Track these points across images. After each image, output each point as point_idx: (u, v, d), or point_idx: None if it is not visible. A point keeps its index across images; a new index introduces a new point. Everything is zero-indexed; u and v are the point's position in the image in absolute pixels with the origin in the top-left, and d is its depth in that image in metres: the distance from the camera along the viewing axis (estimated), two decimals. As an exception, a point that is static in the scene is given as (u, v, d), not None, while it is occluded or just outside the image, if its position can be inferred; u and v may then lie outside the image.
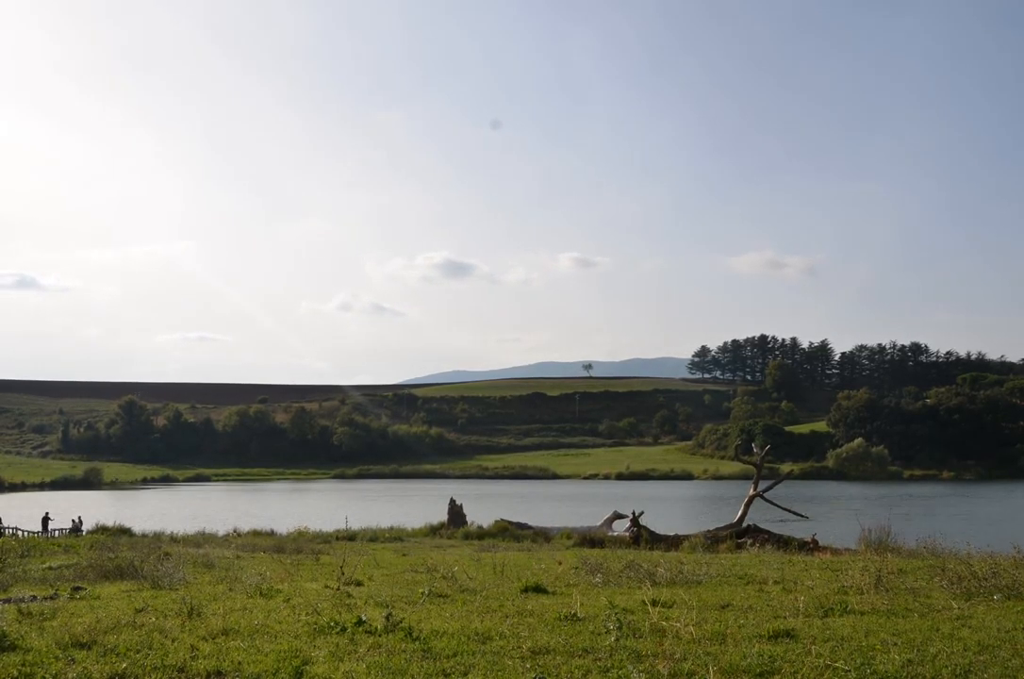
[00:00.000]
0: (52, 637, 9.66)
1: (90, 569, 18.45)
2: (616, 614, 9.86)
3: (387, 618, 10.05)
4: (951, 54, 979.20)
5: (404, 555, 25.23)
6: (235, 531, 40.08)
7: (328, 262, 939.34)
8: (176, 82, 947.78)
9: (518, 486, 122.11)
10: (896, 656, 8.36)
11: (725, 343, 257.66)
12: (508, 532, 37.11)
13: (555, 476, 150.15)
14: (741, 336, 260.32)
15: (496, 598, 13.24)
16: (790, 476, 72.58)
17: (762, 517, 40.32)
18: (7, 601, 13.16)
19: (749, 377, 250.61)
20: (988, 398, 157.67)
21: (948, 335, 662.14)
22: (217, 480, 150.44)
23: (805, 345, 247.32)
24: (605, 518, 39.11)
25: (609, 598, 12.27)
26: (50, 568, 19.95)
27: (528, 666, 8.17)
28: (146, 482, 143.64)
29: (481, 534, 37.09)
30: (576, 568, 17.89)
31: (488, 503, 69.38)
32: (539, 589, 14.09)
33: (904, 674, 7.76)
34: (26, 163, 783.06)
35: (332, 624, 10.19)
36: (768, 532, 32.96)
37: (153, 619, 11.02)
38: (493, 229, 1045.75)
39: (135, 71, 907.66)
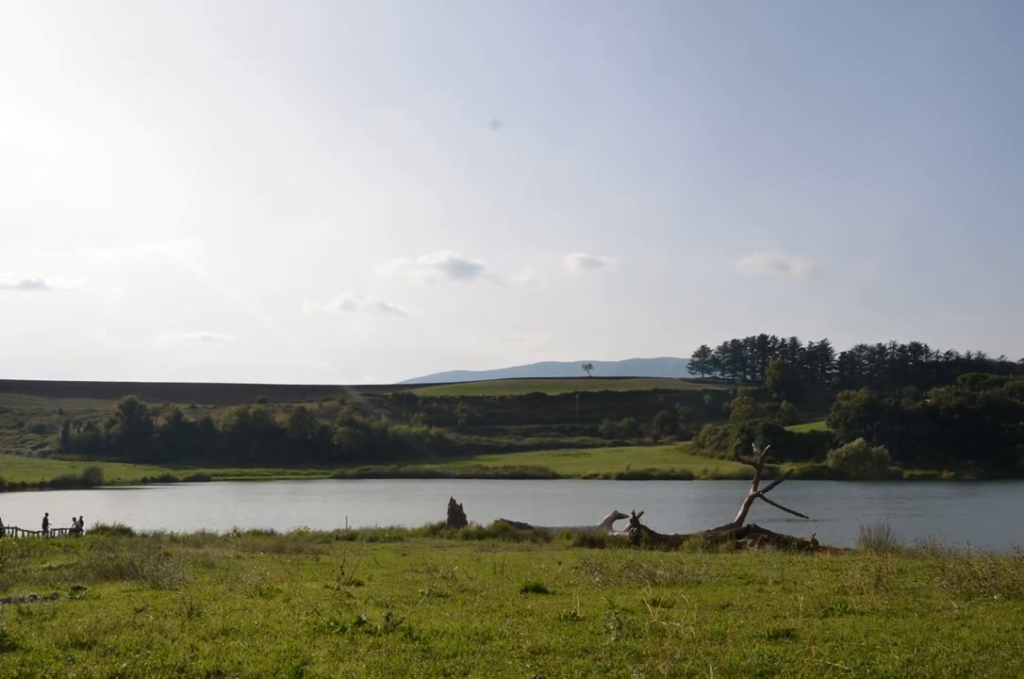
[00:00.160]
0: (52, 637, 9.66)
1: (90, 569, 18.45)
2: (616, 614, 9.86)
3: (387, 618, 10.05)
4: (953, 54, 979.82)
5: (404, 555, 25.23)
6: (235, 531, 40.06)
7: (331, 262, 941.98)
8: (179, 82, 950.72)
9: (518, 486, 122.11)
10: (896, 656, 8.36)
11: (725, 343, 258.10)
12: (508, 532, 37.10)
13: (555, 476, 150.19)
14: (741, 336, 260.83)
15: (496, 598, 13.24)
16: (790, 476, 72.49)
17: (762, 517, 40.34)
18: (7, 601, 13.16)
19: (749, 377, 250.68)
20: (988, 398, 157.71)
21: (948, 335, 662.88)
22: (217, 480, 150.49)
23: (805, 345, 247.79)
24: (605, 518, 39.09)
25: (609, 598, 12.27)
26: (50, 568, 19.95)
27: (528, 666, 8.17)
28: (146, 482, 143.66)
29: (481, 534, 37.08)
30: (576, 568, 17.89)
31: (488, 503, 69.37)
32: (539, 589, 14.09)
33: (904, 674, 7.75)
34: (29, 163, 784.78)
35: (332, 624, 10.19)
36: (768, 532, 32.95)
37: (153, 619, 11.02)
38: (498, 229, 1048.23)
39: (138, 71, 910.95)
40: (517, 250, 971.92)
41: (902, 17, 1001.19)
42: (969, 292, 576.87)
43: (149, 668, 8.12)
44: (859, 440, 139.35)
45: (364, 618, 10.32)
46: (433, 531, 40.48)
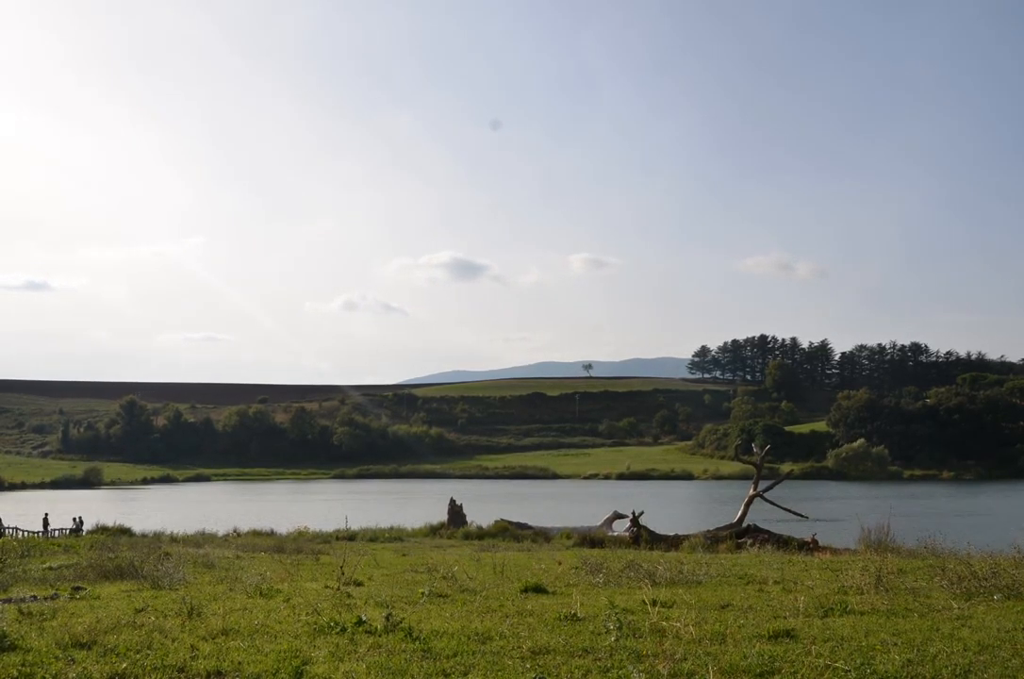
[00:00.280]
0: (52, 637, 9.66)
1: (90, 569, 18.45)
2: (616, 614, 9.86)
3: (387, 618, 10.05)
4: (953, 53, 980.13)
5: (404, 555, 25.23)
6: (235, 531, 40.08)
7: (334, 262, 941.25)
8: (180, 81, 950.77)
9: (518, 486, 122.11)
10: (896, 656, 8.36)
11: (725, 343, 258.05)
12: (508, 532, 37.11)
13: (555, 476, 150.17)
14: (741, 336, 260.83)
15: (496, 598, 13.24)
16: (790, 476, 72.54)
17: (762, 517, 40.34)
18: (7, 601, 13.16)
19: (749, 377, 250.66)
20: (988, 398, 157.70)
21: (948, 335, 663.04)
22: (217, 480, 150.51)
23: (805, 345, 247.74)
24: (605, 518, 39.10)
25: (609, 598, 12.27)
26: (50, 568, 19.95)
27: (528, 666, 8.17)
28: (146, 482, 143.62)
29: (481, 534, 37.09)
30: (576, 568, 17.90)
31: (488, 503, 69.36)
32: (539, 589, 14.09)
33: (904, 674, 7.75)
34: (31, 162, 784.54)
35: (332, 624, 10.19)
36: (768, 532, 32.96)
37: (153, 619, 11.02)
38: (501, 229, 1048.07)
39: (139, 70, 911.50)
40: (520, 250, 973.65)
41: (902, 17, 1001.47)
42: (969, 292, 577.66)
43: (149, 668, 8.12)
44: (859, 440, 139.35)
45: (364, 618, 10.32)
46: (433, 531, 40.49)
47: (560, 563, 18.64)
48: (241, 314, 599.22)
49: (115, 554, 20.80)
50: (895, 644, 8.99)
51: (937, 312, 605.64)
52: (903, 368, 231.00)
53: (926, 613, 11.21)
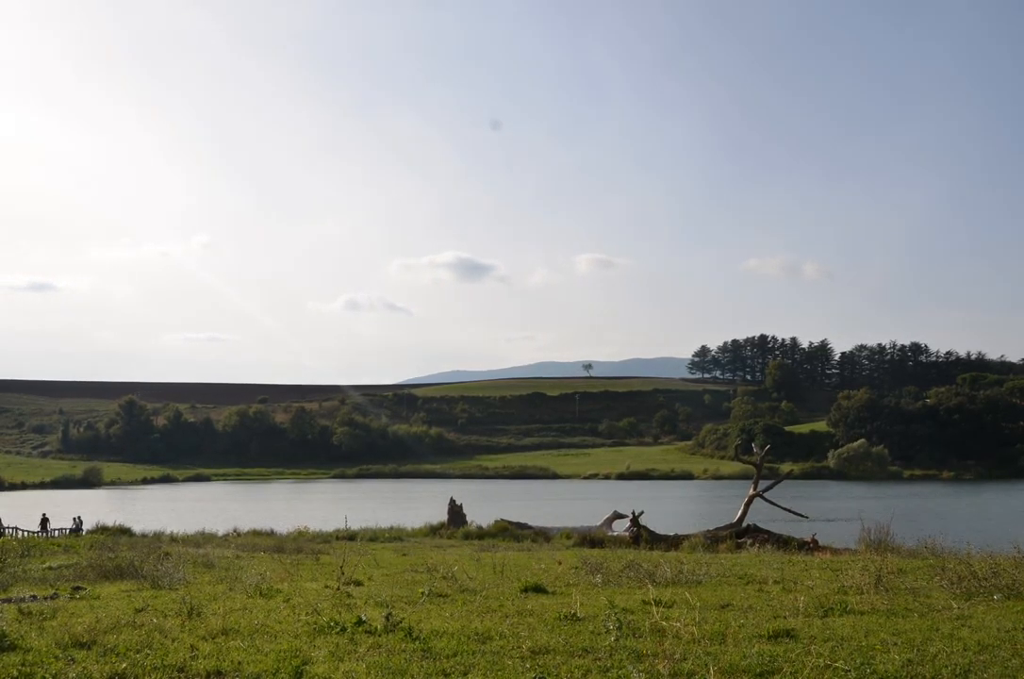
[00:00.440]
0: (52, 637, 9.66)
1: (90, 569, 18.46)
2: (616, 614, 9.86)
3: (387, 618, 10.05)
4: (955, 55, 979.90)
5: (404, 555, 25.22)
6: (235, 531, 40.08)
7: (338, 261, 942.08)
8: (183, 81, 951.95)
9: (518, 486, 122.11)
10: (896, 656, 8.36)
11: (725, 343, 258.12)
12: (508, 532, 37.09)
13: (555, 476, 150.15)
14: (741, 336, 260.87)
15: (496, 598, 13.24)
16: (790, 476, 72.55)
17: (762, 517, 40.30)
18: (7, 601, 13.16)
19: (749, 377, 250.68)
20: (988, 398, 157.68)
21: (948, 335, 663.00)
22: (217, 480, 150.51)
23: (805, 345, 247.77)
24: (605, 518, 39.06)
25: (609, 598, 12.27)
26: (50, 568, 19.96)
27: (528, 666, 8.17)
28: (146, 482, 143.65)
29: (481, 534, 37.07)
30: (576, 568, 17.89)
31: (488, 503, 69.35)
32: (539, 589, 14.09)
33: (904, 674, 7.75)
34: (33, 162, 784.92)
35: (332, 624, 10.19)
36: (768, 532, 32.93)
37: (153, 619, 11.02)
38: (507, 229, 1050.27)
39: (141, 68, 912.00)
40: (524, 250, 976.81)
41: (905, 20, 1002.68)
42: (969, 292, 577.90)
43: (149, 668, 8.12)
44: (859, 440, 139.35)
45: (364, 618, 10.32)
46: (433, 531, 40.46)
47: (560, 563, 18.64)
48: (243, 314, 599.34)
49: (115, 554, 20.81)
50: (895, 644, 8.99)
51: (937, 312, 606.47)
52: (903, 368, 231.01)
53: (926, 613, 11.21)
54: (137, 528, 41.70)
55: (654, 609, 10.68)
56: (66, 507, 68.85)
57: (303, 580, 16.89)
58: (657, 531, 33.49)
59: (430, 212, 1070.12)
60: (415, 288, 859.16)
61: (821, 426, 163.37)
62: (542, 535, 36.65)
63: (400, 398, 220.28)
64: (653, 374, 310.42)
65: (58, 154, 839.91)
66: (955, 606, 11.58)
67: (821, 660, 8.11)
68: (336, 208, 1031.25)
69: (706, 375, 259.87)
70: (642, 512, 34.65)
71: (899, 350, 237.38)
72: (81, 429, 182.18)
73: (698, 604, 11.87)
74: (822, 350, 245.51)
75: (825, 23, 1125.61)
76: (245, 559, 22.85)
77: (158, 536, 36.07)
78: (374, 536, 36.48)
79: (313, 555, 24.56)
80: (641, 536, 32.03)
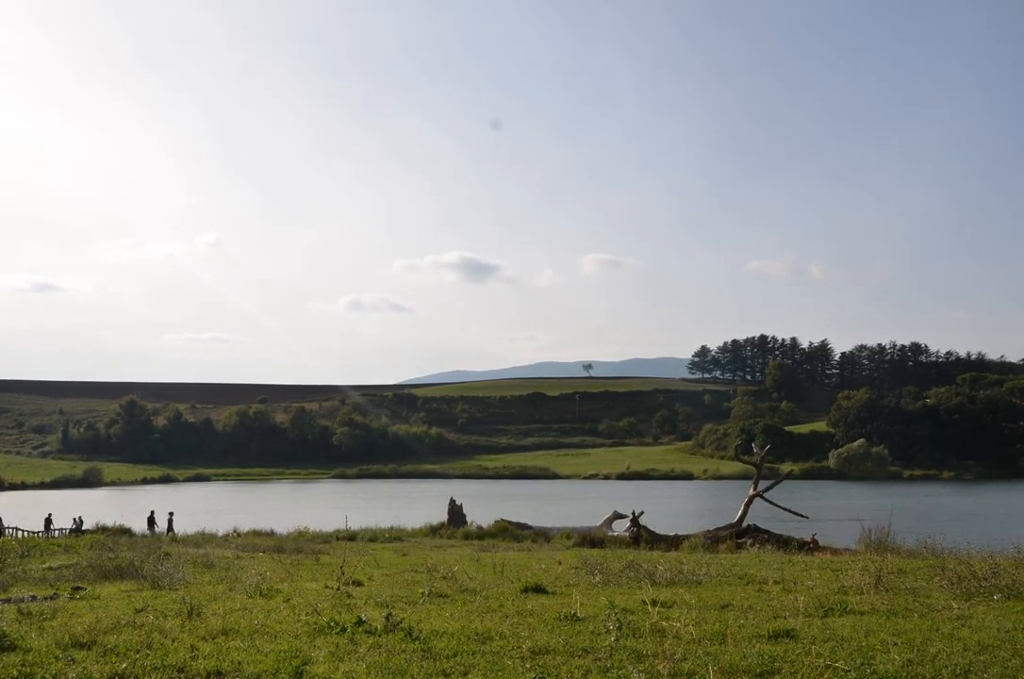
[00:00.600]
0: (52, 637, 9.65)
1: (90, 569, 18.44)
2: (616, 614, 9.86)
3: (387, 618, 10.04)
4: (957, 56, 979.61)
5: (404, 555, 25.21)
6: (235, 531, 40.05)
7: (341, 262, 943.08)
8: (183, 82, 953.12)
9: (518, 486, 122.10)
10: (896, 656, 8.35)
11: (725, 343, 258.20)
12: (508, 532, 37.04)
13: (555, 476, 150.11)
14: (741, 336, 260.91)
15: (496, 598, 13.23)
16: (790, 476, 72.58)
17: (762, 517, 40.29)
18: (7, 601, 13.15)
19: (749, 377, 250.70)
20: (988, 398, 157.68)
21: (948, 335, 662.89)
22: (217, 480, 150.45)
23: (805, 345, 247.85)
24: (605, 518, 39.03)
25: (609, 598, 12.26)
26: (50, 568, 19.94)
27: (528, 666, 8.17)
28: (146, 482, 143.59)
29: (481, 534, 37.02)
30: (576, 568, 17.89)
31: (488, 503, 69.33)
32: (539, 589, 14.08)
33: (904, 674, 7.75)
34: (36, 162, 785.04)
35: (332, 624, 10.18)
36: (768, 532, 32.90)
37: (153, 619, 11.01)
38: (512, 229, 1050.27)
39: (144, 69, 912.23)
40: (527, 250, 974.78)
41: (910, 20, 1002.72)
42: (969, 292, 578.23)
43: (149, 668, 8.12)
44: (860, 440, 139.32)
45: (364, 618, 10.31)
46: (433, 531, 40.43)
47: (560, 563, 18.63)
48: (245, 314, 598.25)
49: (115, 554, 20.80)
50: (895, 644, 8.99)
51: (938, 312, 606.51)
52: (903, 368, 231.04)
53: (926, 613, 11.21)
54: (137, 528, 41.69)
55: (654, 609, 10.67)
56: (66, 507, 68.84)
57: (303, 580, 16.88)
58: (657, 531, 33.46)
59: (434, 212, 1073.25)
60: (419, 288, 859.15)
61: (821, 426, 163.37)
62: (542, 535, 36.62)
63: (400, 398, 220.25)
64: (653, 374, 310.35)
65: (59, 153, 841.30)
66: (955, 606, 11.58)
67: (821, 660, 8.11)
68: (339, 208, 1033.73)
69: (706, 375, 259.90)
70: (642, 512, 34.62)
71: (899, 350, 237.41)
72: (81, 429, 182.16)
73: (698, 604, 11.87)
74: (822, 350, 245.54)
75: (830, 23, 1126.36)
76: (245, 559, 22.84)
77: (158, 536, 36.04)
78: (374, 536, 36.44)
79: (313, 555, 24.55)
80: (641, 536, 32.00)
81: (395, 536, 37.39)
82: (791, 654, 8.51)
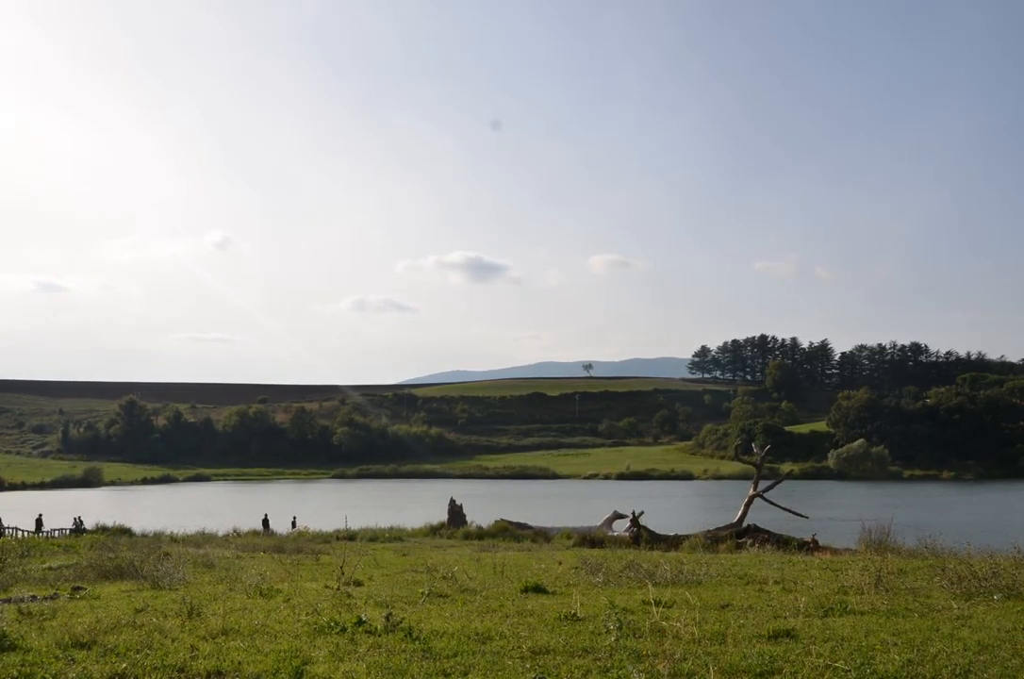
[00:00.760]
0: (52, 637, 9.65)
1: (90, 569, 18.44)
2: (616, 614, 9.86)
3: (387, 618, 10.04)
4: (957, 56, 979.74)
5: (404, 555, 25.21)
6: (235, 531, 40.08)
7: (345, 262, 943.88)
8: (183, 82, 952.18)
9: (518, 486, 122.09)
10: (896, 656, 8.35)
11: (725, 343, 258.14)
12: (508, 532, 37.05)
13: (555, 476, 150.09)
14: (741, 336, 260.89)
15: (496, 598, 13.23)
16: (790, 476, 72.59)
17: (762, 517, 40.30)
18: (7, 601, 13.15)
19: (749, 377, 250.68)
20: (988, 398, 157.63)
21: (948, 335, 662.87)
22: (217, 480, 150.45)
23: (805, 345, 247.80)
24: (605, 518, 39.04)
25: (609, 598, 12.26)
26: (50, 568, 19.94)
27: (528, 666, 8.17)
28: (146, 482, 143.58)
29: (481, 534, 37.04)
30: (576, 568, 17.88)
31: (488, 503, 69.34)
32: (539, 589, 14.08)
33: (904, 674, 7.75)
34: (38, 161, 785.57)
35: (332, 624, 10.18)
36: (768, 532, 32.91)
37: (153, 619, 11.01)
38: (516, 229, 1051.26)
39: (145, 69, 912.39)
40: (530, 249, 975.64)
41: (909, 20, 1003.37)
42: (969, 292, 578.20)
43: (149, 668, 8.11)
44: (860, 440, 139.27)
45: (364, 618, 10.31)
46: (433, 531, 40.44)
47: (560, 563, 18.62)
48: (249, 315, 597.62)
49: (115, 554, 20.80)
50: (895, 644, 8.99)
51: (938, 312, 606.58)
52: (903, 368, 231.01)
53: (926, 613, 11.21)
54: (137, 528, 41.69)
55: (654, 609, 10.68)
56: (66, 507, 68.86)
57: (303, 580, 16.88)
58: (657, 531, 33.47)
59: (436, 212, 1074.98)
60: (422, 288, 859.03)
61: (821, 426, 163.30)
62: (542, 535, 36.62)
63: (400, 398, 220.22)
64: (653, 374, 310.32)
65: (61, 153, 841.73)
66: (955, 606, 11.58)
67: (821, 660, 8.11)
68: (340, 208, 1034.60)
69: (706, 375, 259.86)
70: (642, 512, 34.63)
71: (899, 350, 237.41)
72: (81, 429, 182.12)
73: (698, 604, 11.87)
74: (822, 350, 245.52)
75: (830, 23, 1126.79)
76: (245, 559, 22.84)
77: (158, 536, 36.05)
78: (374, 536, 36.46)
79: (313, 555, 24.56)
80: (641, 536, 32.01)
81: (395, 536, 37.40)
82: (791, 654, 8.51)
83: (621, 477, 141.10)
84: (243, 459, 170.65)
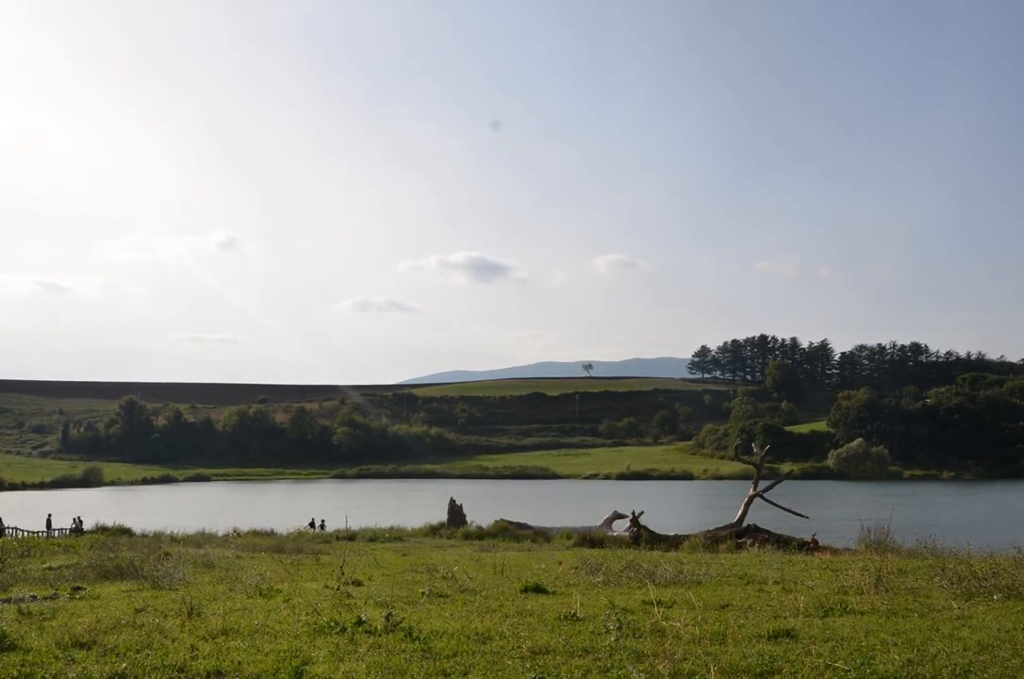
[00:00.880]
0: (52, 637, 9.65)
1: (90, 569, 18.43)
2: (616, 614, 9.85)
3: (387, 618, 10.04)
4: (958, 57, 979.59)
5: (404, 555, 25.20)
6: (235, 531, 40.05)
7: (347, 263, 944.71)
8: (184, 82, 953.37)
9: (518, 486, 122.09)
10: (896, 656, 8.35)
11: (725, 343, 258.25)
12: (508, 532, 37.03)
13: (555, 476, 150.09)
14: (741, 336, 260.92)
15: (496, 598, 13.23)
16: (790, 476, 72.59)
17: (762, 517, 40.29)
18: (7, 601, 13.15)
19: (749, 377, 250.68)
20: (988, 398, 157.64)
21: (948, 335, 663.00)
22: (217, 480, 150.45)
23: (805, 345, 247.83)
24: (605, 518, 39.02)
25: (609, 598, 12.26)
26: (50, 568, 19.94)
27: (528, 666, 8.16)
28: (146, 482, 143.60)
29: (481, 534, 37.02)
30: (576, 568, 17.88)
31: (488, 503, 69.32)
32: (539, 589, 14.07)
33: (904, 674, 7.75)
34: (40, 161, 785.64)
35: (332, 624, 10.18)
36: (768, 532, 32.90)
37: (153, 619, 11.01)
38: (519, 229, 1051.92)
39: (146, 69, 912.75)
40: (532, 249, 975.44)
41: (910, 21, 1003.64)
42: (969, 292, 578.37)
43: (149, 668, 8.11)
44: (859, 440, 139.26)
45: (364, 618, 10.31)
46: (433, 531, 40.42)
47: (560, 563, 18.62)
48: (251, 315, 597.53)
49: (115, 554, 20.79)
50: (895, 644, 8.98)
51: (938, 312, 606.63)
52: (903, 368, 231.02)
53: (926, 613, 11.20)
54: (137, 528, 41.67)
55: (654, 609, 10.68)
56: (66, 507, 68.84)
57: (303, 580, 16.88)
58: (657, 531, 33.45)
59: (437, 212, 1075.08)
60: (424, 288, 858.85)
61: (821, 426, 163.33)
62: (542, 535, 36.60)
63: (400, 398, 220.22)
64: (653, 374, 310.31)
65: (62, 153, 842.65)
66: (955, 606, 11.57)
67: (821, 660, 8.11)
68: (341, 208, 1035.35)
69: (706, 375, 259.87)
70: (642, 512, 34.62)
71: (899, 350, 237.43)
72: (81, 429, 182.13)
73: (698, 604, 11.86)
74: (822, 350, 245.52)
75: (830, 24, 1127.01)
76: (245, 559, 22.84)
77: (158, 536, 36.03)
78: (374, 536, 36.45)
79: (313, 555, 24.54)
80: (641, 536, 31.99)
81: (395, 536, 37.39)
82: (791, 654, 8.51)
83: (621, 477, 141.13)
84: (243, 459, 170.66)
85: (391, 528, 41.13)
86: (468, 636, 9.63)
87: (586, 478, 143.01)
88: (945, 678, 7.68)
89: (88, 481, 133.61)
